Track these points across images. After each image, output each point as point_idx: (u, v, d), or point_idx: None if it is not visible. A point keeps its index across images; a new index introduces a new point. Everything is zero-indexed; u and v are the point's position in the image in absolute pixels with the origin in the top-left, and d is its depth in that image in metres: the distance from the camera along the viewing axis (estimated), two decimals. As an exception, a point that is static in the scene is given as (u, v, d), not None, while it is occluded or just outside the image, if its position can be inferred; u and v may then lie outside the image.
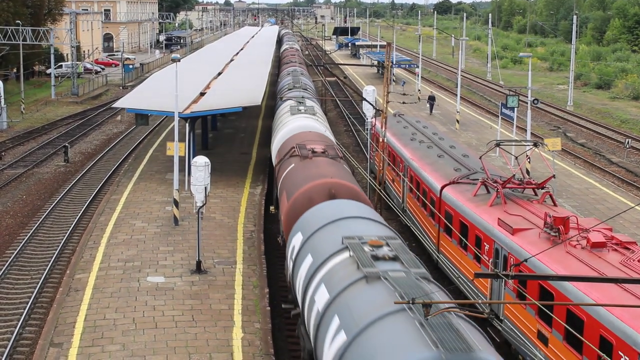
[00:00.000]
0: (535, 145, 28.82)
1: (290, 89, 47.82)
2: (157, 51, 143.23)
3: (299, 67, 65.79)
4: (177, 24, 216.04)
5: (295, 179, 26.32)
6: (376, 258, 17.23)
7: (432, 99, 68.77)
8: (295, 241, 21.44)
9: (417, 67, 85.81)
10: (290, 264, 21.58)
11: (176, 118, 32.33)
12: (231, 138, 52.25)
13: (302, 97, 42.81)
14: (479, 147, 49.76)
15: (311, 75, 65.98)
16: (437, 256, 28.99)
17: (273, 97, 59.08)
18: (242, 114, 56.15)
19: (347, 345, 14.43)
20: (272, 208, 33.83)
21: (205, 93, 45.74)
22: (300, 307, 19.45)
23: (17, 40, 75.81)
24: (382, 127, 38.78)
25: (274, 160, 33.49)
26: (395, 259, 17.32)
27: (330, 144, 31.20)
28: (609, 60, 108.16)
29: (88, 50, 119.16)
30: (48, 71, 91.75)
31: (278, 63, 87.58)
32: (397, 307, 14.38)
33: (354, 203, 22.63)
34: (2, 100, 63.25)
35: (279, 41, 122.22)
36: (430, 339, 13.03)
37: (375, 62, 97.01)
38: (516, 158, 32.11)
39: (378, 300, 15.17)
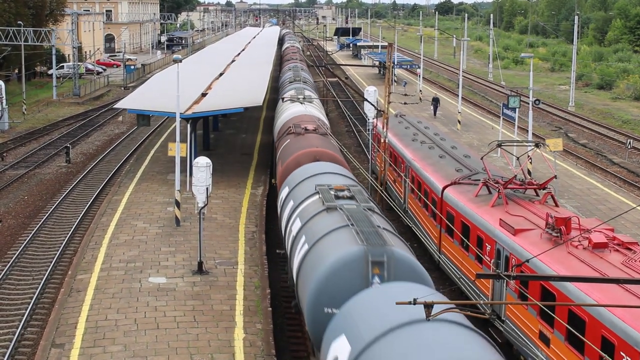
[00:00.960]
0: (537, 145, 28.81)
1: (291, 82, 52.96)
2: (159, 52, 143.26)
3: (300, 63, 71.84)
4: (178, 25, 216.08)
5: (289, 149, 31.84)
6: (337, 197, 22.92)
7: (436, 100, 67.65)
8: (283, 194, 27.26)
9: (419, 67, 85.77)
10: (279, 211, 27.44)
11: (177, 119, 32.34)
12: (233, 139, 52.27)
13: (301, 89, 47.67)
14: (481, 148, 49.75)
15: (313, 76, 66.68)
16: (439, 257, 29.00)
17: (275, 91, 60.35)
18: (243, 115, 56.16)
19: (307, 251, 19.85)
20: (273, 181, 34.43)
21: (206, 94, 45.77)
22: (284, 242, 24.64)
23: (18, 41, 75.87)
24: (383, 128, 38.78)
25: (275, 139, 38.85)
26: (351, 197, 22.91)
27: (320, 124, 36.24)
28: (611, 60, 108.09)
29: (89, 51, 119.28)
30: (50, 72, 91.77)
31: (280, 60, 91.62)
32: (343, 224, 19.92)
33: (330, 164, 28.33)
34: (4, 101, 63.27)
35: (281, 41, 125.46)
36: (360, 239, 18.39)
37: (377, 63, 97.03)
38: (517, 159, 32.13)
39: (332, 222, 20.56)
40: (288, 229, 23.71)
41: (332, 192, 23.12)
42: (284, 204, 25.94)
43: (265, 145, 49.49)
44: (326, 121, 40.82)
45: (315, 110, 40.96)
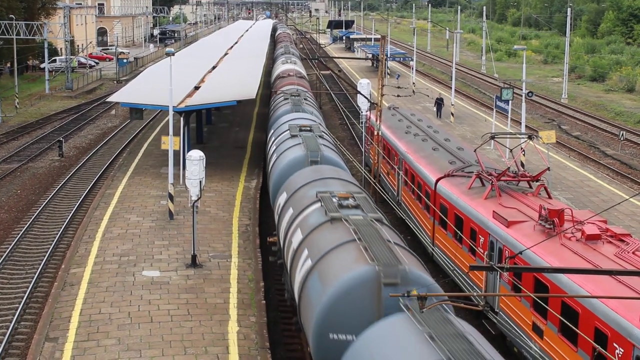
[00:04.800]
0: (530, 138, 28.83)
1: (283, 54, 76.05)
2: (151, 45, 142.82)
3: (289, 43, 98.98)
4: (171, 18, 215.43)
5: (279, 84, 50.92)
6: (290, 96, 41.41)
7: (440, 101, 62.86)
8: (271, 101, 47.10)
9: (412, 60, 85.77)
10: (269, 113, 44.01)
11: (170, 112, 32.28)
12: (226, 132, 52.21)
13: (290, 56, 70.88)
14: (474, 140, 49.79)
15: (305, 69, 67.60)
16: (432, 249, 29.04)
17: (268, 86, 64.87)
18: (236, 108, 56.10)
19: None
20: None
21: (199, 87, 45.67)
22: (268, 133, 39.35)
23: (10, 35, 75.57)
24: (376, 121, 38.79)
25: (271, 83, 59.46)
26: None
27: (299, 74, 56.60)
28: (604, 52, 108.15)
29: (82, 45, 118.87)
30: (42, 65, 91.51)
31: (274, 42, 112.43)
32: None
33: (297, 86, 47.15)
34: (-4, 95, 63.11)
35: (274, 29, 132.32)
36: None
37: (370, 56, 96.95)
38: (511, 151, 32.14)
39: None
40: (271, 120, 40.16)
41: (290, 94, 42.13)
42: (270, 105, 45.67)
43: (258, 139, 49.45)
44: (303, 72, 60.99)
45: (297, 67, 61.37)
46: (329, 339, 16.26)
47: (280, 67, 61.59)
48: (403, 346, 13.33)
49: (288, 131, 31.40)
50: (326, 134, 33.00)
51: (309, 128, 31.55)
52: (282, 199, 24.49)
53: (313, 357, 16.89)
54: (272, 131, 35.87)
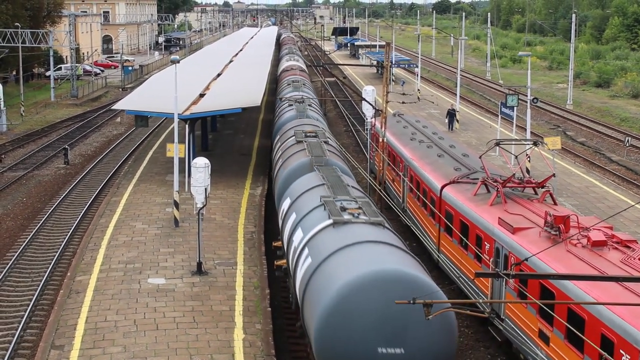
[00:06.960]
0: (535, 144, 28.80)
1: (287, 54, 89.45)
2: (157, 53, 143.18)
3: (293, 45, 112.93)
4: (176, 26, 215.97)
5: (284, 75, 63.79)
6: (292, 82, 55.48)
7: (452, 112, 59.71)
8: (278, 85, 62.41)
9: (417, 66, 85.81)
10: (277, 91, 58.88)
11: (176, 119, 32.32)
12: (231, 139, 52.26)
13: (293, 55, 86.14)
14: (479, 147, 49.74)
15: (310, 76, 68.42)
16: (438, 256, 29.00)
17: (274, 80, 71.91)
18: (241, 115, 56.16)
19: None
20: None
21: (204, 94, 45.74)
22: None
23: (16, 43, 75.78)
24: (381, 127, 38.80)
25: (277, 75, 72.46)
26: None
27: (301, 68, 70.51)
28: (608, 58, 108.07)
29: (87, 52, 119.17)
30: (47, 73, 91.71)
31: (279, 45, 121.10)
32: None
33: (298, 76, 59.96)
34: (2, 103, 63.25)
35: (279, 35, 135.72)
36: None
37: (375, 62, 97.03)
38: (516, 157, 32.10)
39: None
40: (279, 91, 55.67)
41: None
42: (277, 89, 59.95)
43: (263, 146, 49.49)
44: (304, 67, 75.78)
45: (299, 63, 76.40)
46: (281, 200, 27.44)
47: (285, 63, 76.72)
48: (308, 181, 26.24)
49: (287, 102, 45.45)
50: (314, 104, 48.06)
51: (301, 100, 44.62)
52: (276, 139, 38.57)
53: (277, 209, 29.20)
54: (277, 104, 51.13)
